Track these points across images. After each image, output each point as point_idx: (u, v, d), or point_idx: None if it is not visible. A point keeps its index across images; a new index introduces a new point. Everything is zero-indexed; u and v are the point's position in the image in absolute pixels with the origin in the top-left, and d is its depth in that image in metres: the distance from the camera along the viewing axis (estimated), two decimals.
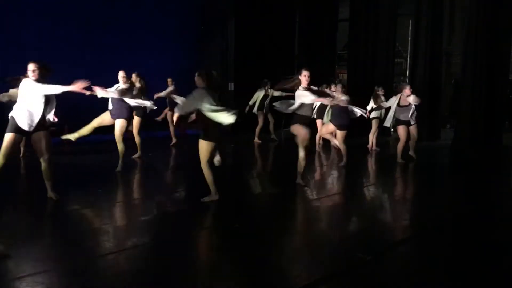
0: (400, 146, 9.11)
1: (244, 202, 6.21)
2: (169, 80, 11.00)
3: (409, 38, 14.51)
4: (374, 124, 10.46)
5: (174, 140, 10.84)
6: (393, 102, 9.16)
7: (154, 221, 5.51)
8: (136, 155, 8.99)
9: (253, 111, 11.84)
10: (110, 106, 7.64)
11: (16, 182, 7.27)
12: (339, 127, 8.62)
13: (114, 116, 7.58)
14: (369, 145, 10.58)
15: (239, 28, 14.51)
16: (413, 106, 8.96)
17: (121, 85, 7.65)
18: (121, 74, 7.70)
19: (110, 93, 7.39)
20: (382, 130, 11.17)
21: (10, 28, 10.93)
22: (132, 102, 7.67)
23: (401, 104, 9.01)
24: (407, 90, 8.96)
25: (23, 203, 6.17)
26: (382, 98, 10.03)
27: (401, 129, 9.04)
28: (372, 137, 10.58)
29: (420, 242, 4.91)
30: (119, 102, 7.54)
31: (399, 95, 9.09)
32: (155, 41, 13.39)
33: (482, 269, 4.15)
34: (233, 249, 4.53)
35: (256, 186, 7.54)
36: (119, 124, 7.58)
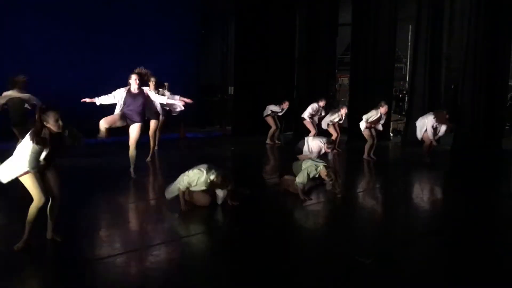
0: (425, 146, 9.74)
1: (243, 205, 6.19)
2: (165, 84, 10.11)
3: (409, 43, 14.49)
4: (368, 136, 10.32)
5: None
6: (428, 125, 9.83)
7: (153, 224, 5.49)
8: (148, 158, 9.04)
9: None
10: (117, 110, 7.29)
11: (13, 183, 7.21)
12: None
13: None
14: (365, 156, 10.35)
15: (239, 31, 14.51)
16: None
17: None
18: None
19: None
20: (381, 135, 11.07)
21: (10, 28, 10.93)
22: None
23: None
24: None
25: (21, 206, 6.12)
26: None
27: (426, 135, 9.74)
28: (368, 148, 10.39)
29: (419, 245, 4.90)
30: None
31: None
32: (155, 42, 13.40)
33: (481, 271, 4.14)
34: (233, 253, 4.52)
35: (256, 188, 7.51)
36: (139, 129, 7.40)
